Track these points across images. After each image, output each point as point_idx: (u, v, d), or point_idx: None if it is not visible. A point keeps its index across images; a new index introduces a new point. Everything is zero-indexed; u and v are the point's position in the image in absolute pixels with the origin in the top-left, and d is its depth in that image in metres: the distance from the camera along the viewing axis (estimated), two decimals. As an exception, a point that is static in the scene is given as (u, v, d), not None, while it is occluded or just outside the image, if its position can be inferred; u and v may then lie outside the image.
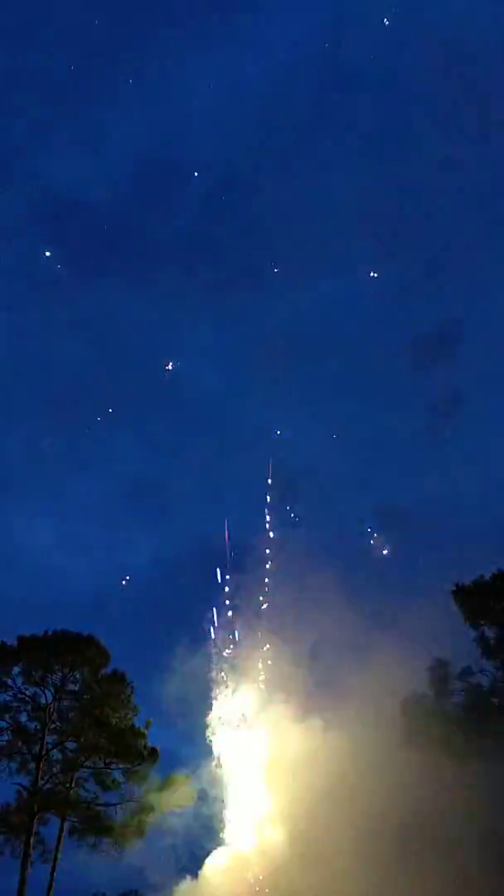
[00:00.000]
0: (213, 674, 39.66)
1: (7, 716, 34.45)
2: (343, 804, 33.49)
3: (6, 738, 34.27)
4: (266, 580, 40.89)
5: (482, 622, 33.13)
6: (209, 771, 38.32)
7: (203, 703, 39.28)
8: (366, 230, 66.78)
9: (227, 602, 40.71)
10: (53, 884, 32.76)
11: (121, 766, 34.99)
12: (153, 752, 35.04)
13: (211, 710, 39.59)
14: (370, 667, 35.38)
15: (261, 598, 40.70)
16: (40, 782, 33.65)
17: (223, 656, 39.97)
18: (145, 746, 34.81)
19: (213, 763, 38.61)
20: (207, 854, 37.20)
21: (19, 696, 34.58)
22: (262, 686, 39.71)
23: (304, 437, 58.40)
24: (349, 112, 74.88)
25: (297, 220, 68.37)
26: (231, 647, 40.15)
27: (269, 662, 39.74)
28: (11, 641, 34.64)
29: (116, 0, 69.12)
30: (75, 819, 34.17)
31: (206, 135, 74.08)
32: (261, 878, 35.96)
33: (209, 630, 40.34)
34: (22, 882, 32.14)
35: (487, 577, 33.57)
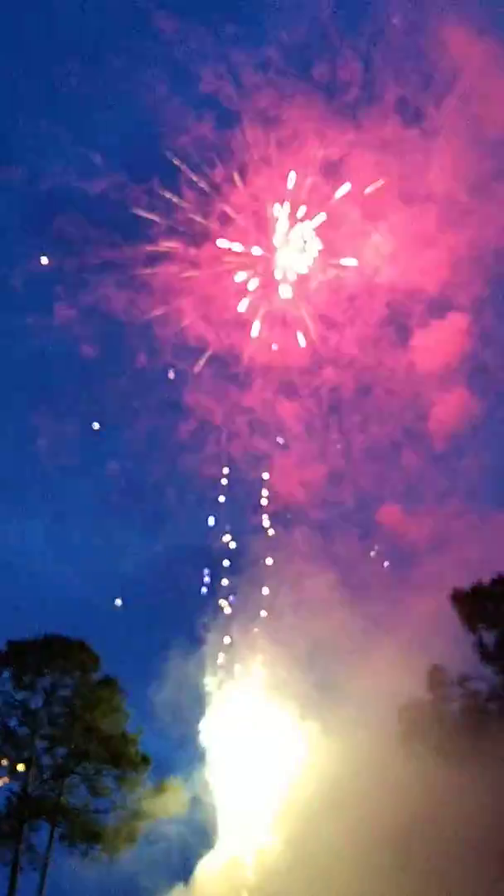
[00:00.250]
0: (207, 679, 39.30)
1: (-4, 721, 34.00)
2: (339, 809, 33.15)
3: (-5, 743, 33.84)
4: (263, 584, 40.63)
5: (480, 627, 32.86)
6: (202, 777, 37.96)
7: (196, 708, 38.95)
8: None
9: (222, 606, 40.38)
10: (43, 891, 32.27)
11: (112, 772, 34.60)
12: (145, 758, 34.72)
13: (204, 715, 39.24)
14: (368, 671, 35.12)
15: (257, 602, 40.43)
16: (30, 788, 33.26)
17: (217, 661, 39.60)
18: (137, 752, 34.48)
19: (206, 769, 38.25)
20: (199, 861, 36.81)
21: (9, 700, 34.18)
22: (258, 690, 39.39)
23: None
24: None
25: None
26: (226, 651, 39.81)
27: (266, 666, 39.45)
28: (1, 646, 34.35)
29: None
30: (66, 826, 33.68)
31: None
32: (254, 884, 35.59)
33: (203, 635, 40.03)
34: (12, 889, 31.70)
35: (486, 581, 33.34)
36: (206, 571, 42.64)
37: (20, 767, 33.47)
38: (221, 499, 45.62)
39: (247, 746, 38.69)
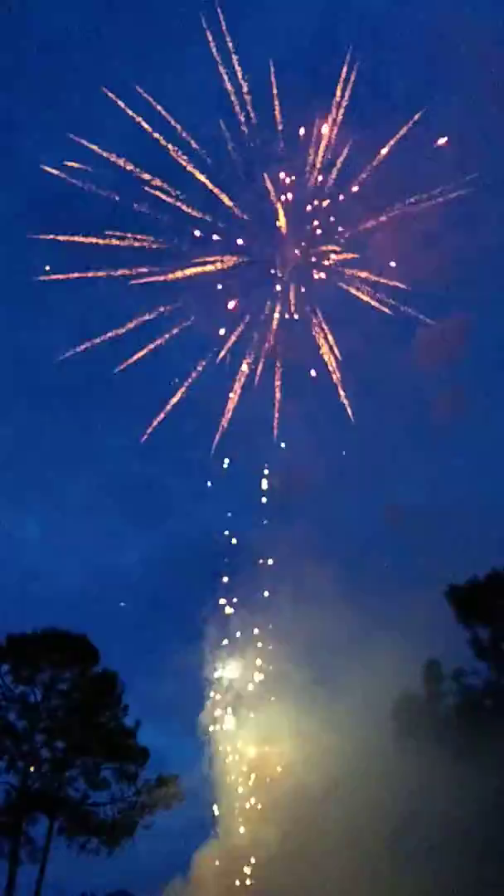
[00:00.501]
0: (207, 673, 39.41)
1: (-5, 714, 34.20)
2: (335, 803, 33.33)
3: (-6, 736, 34.04)
4: (262, 579, 40.60)
5: (475, 622, 32.96)
6: (200, 770, 38.07)
7: (195, 702, 39.02)
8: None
9: (221, 600, 40.37)
10: (42, 883, 32.55)
11: (111, 765, 34.80)
12: (143, 751, 34.88)
13: (203, 709, 39.35)
14: (364, 666, 35.17)
15: (256, 596, 40.41)
16: (29, 781, 33.45)
17: (217, 655, 39.69)
18: (135, 746, 34.64)
19: (205, 762, 38.37)
20: (197, 853, 36.98)
21: (8, 694, 34.38)
22: (256, 684, 39.48)
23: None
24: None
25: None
26: (225, 645, 39.86)
27: (264, 661, 39.51)
28: (0, 639, 34.39)
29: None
30: (64, 818, 33.90)
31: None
32: (251, 877, 35.79)
33: (203, 629, 40.06)
34: (10, 882, 31.96)
35: (481, 577, 33.42)
36: (206, 565, 42.59)
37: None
38: (221, 491, 45.54)
39: (245, 739, 38.80)
